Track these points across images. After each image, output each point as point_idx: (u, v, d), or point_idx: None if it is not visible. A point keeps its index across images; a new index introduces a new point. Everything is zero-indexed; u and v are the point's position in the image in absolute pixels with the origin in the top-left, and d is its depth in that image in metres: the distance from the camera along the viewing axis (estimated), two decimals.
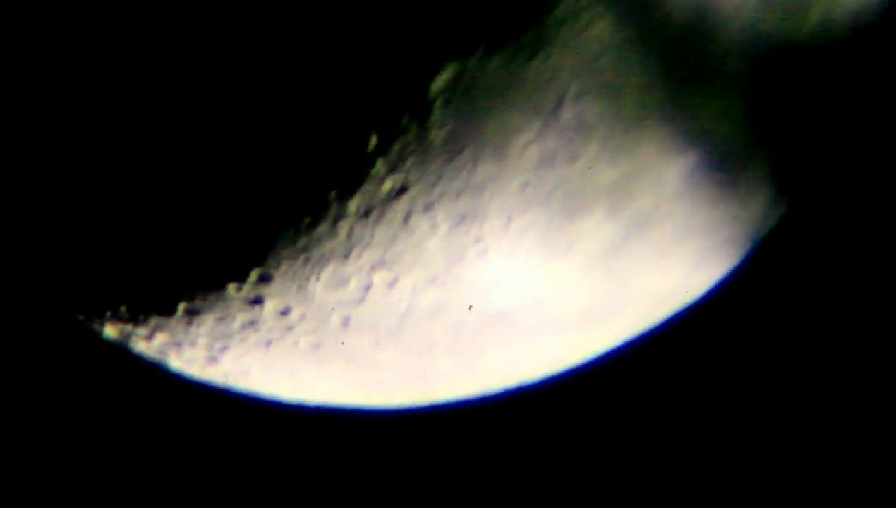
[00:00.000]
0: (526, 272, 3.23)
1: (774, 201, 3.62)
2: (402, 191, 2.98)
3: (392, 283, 3.11)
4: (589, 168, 3.13)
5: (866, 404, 4.06)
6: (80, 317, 3.17)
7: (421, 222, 3.04)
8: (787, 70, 3.31)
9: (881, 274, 3.98)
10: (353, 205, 2.96)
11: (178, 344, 3.17)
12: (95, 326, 3.20)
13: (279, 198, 2.91)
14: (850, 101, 3.48)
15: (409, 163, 2.97)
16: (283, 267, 3.00)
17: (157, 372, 3.20)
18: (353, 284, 3.07)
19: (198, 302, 3.05)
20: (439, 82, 2.91)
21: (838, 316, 3.95)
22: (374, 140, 2.91)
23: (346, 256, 3.03)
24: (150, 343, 3.19)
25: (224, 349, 3.18)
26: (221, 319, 3.08)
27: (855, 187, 3.93)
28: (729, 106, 3.24)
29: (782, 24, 3.27)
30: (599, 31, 2.99)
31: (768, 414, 3.93)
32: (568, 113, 3.04)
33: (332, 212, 2.96)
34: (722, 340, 3.88)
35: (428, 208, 3.03)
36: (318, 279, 3.03)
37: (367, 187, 2.95)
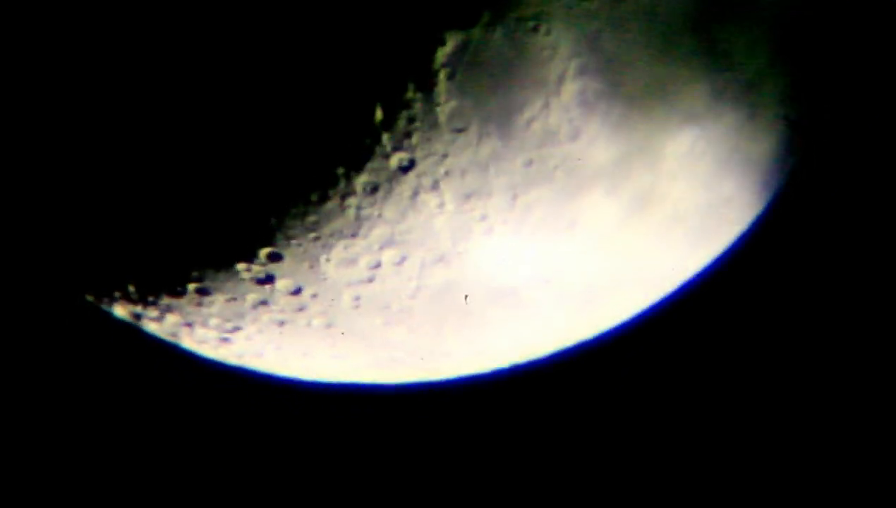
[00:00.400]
0: (530, 249, 3.24)
1: (771, 178, 3.67)
2: (409, 167, 2.98)
3: (400, 262, 3.10)
4: (590, 145, 3.15)
5: (863, 387, 4.10)
6: (90, 298, 3.13)
7: (428, 199, 3.05)
8: (780, 46, 3.37)
9: (877, 261, 4.03)
10: (361, 181, 2.96)
11: (190, 325, 3.14)
12: (106, 307, 3.16)
13: (287, 173, 2.90)
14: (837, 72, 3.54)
15: (415, 138, 2.97)
16: (293, 246, 2.98)
17: (170, 352, 3.16)
18: (363, 263, 3.06)
19: (208, 282, 3.03)
20: (443, 53, 2.93)
21: (838, 298, 4.00)
22: (379, 113, 2.92)
23: (355, 234, 3.03)
24: (161, 323, 3.16)
25: (236, 329, 3.15)
26: (233, 299, 3.06)
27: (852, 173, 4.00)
28: (727, 84, 3.29)
29: (773, 4, 3.34)
30: (599, 5, 3.03)
31: (768, 386, 3.96)
32: (570, 89, 3.06)
33: (341, 188, 2.95)
34: (726, 315, 3.91)
35: (435, 185, 3.04)
36: (328, 257, 3.02)
37: (375, 163, 2.96)
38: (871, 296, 3.95)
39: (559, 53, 3.04)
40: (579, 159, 3.20)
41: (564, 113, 3.11)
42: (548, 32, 3.02)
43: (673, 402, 3.95)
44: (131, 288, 3.08)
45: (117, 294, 3.09)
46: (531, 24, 2.99)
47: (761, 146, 3.54)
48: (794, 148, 3.67)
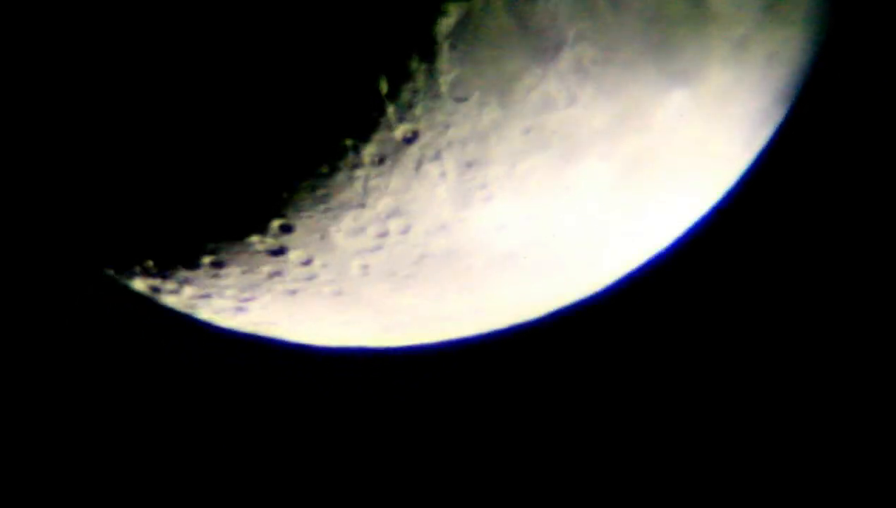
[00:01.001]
0: (529, 214, 3.33)
1: (759, 134, 3.77)
2: (413, 137, 3.05)
3: (405, 230, 3.18)
4: (585, 111, 3.23)
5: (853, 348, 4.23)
6: (110, 272, 3.19)
7: (431, 169, 3.12)
8: (769, 5, 3.45)
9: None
10: (369, 152, 3.03)
11: (207, 296, 3.21)
12: (125, 281, 3.22)
13: (297, 146, 2.96)
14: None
15: (419, 109, 3.04)
16: (304, 217, 3.05)
17: (188, 323, 3.24)
18: (371, 232, 3.14)
19: (223, 255, 3.10)
20: (445, 24, 2.98)
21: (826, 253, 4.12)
22: (384, 84, 2.97)
23: (363, 205, 3.10)
24: (179, 296, 3.23)
25: (251, 298, 3.23)
26: (247, 270, 3.13)
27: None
28: (716, 44, 3.37)
29: None
30: None
31: (762, 339, 4.09)
32: (567, 57, 3.13)
33: (349, 159, 3.02)
34: (719, 267, 4.03)
35: (437, 155, 3.11)
36: (338, 228, 3.09)
37: (381, 133, 3.02)
38: (860, 254, 4.09)
39: (558, 21, 3.10)
40: (575, 124, 3.29)
41: (562, 80, 3.18)
42: (547, 1, 3.08)
43: (673, 354, 4.09)
44: (149, 263, 3.15)
45: (136, 268, 3.15)
46: None
47: (749, 104, 3.64)
48: (781, 104, 3.78)
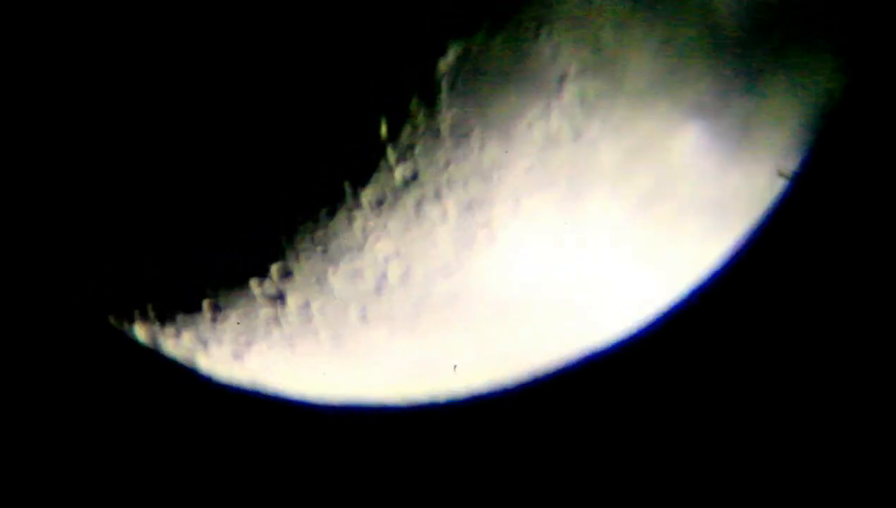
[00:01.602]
0: (535, 255, 3.25)
1: (785, 164, 3.65)
2: (412, 178, 3.00)
3: (405, 274, 3.13)
4: (592, 146, 3.15)
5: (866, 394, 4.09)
6: (111, 319, 3.20)
7: (431, 210, 3.07)
8: (789, 32, 3.35)
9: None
10: (367, 195, 2.99)
11: (205, 342, 3.19)
12: (126, 327, 3.23)
13: (296, 190, 2.94)
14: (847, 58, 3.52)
15: (418, 149, 3.00)
16: (302, 261, 3.02)
17: (187, 376, 3.22)
18: (369, 276, 3.09)
19: (222, 300, 3.08)
20: (445, 63, 2.95)
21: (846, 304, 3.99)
22: (384, 126, 2.94)
23: (361, 248, 3.06)
24: (178, 341, 3.22)
25: (249, 344, 3.20)
26: (246, 315, 3.11)
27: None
28: (733, 73, 3.28)
29: None
30: (600, 3, 3.02)
31: (786, 384, 3.96)
32: (570, 91, 3.07)
33: (348, 202, 2.98)
34: (741, 311, 3.91)
35: (437, 195, 3.06)
36: (335, 271, 3.05)
37: (380, 176, 2.98)
38: (887, 290, 3.94)
39: (560, 55, 3.04)
40: (582, 160, 3.21)
41: (565, 115, 3.11)
42: (548, 36, 3.02)
43: (690, 405, 3.96)
44: (149, 308, 3.14)
45: (137, 314, 3.15)
46: (532, 28, 3.00)
47: (772, 136, 3.53)
48: (807, 135, 3.66)
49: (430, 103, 2.97)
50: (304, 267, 3.04)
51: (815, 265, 3.96)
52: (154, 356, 3.20)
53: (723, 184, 3.48)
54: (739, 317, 3.91)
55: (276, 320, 3.12)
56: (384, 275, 3.13)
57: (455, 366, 3.35)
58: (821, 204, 3.75)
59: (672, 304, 3.70)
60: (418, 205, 3.06)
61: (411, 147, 3.00)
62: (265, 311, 3.11)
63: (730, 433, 4.04)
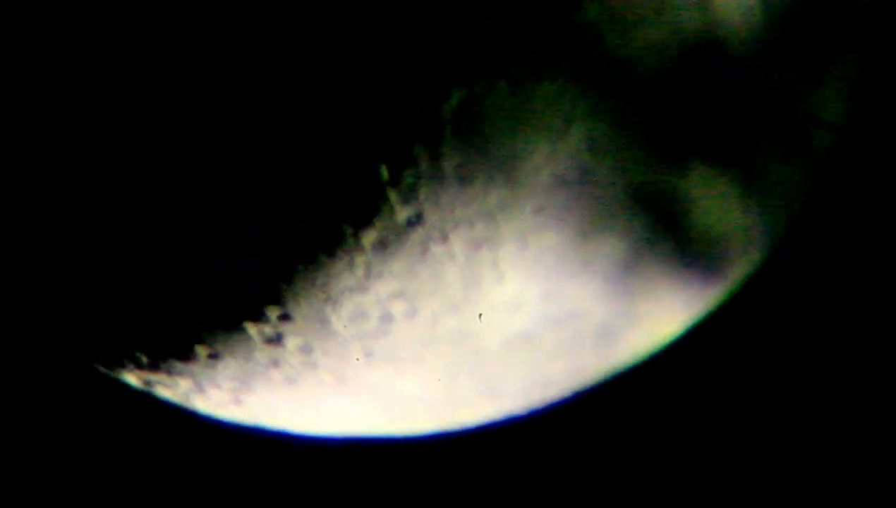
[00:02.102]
0: (544, 293, 3.24)
1: (790, 203, 3.63)
2: (417, 221, 2.99)
3: (412, 313, 3.12)
4: (600, 186, 3.14)
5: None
6: (101, 367, 3.20)
7: (437, 251, 3.05)
8: (795, 73, 3.33)
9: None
10: (369, 237, 2.97)
11: (202, 388, 3.18)
12: (117, 375, 3.22)
13: (294, 234, 2.92)
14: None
15: (422, 193, 2.98)
16: (303, 305, 3.01)
17: (184, 415, 3.23)
18: (374, 316, 3.08)
19: (218, 346, 3.07)
20: (448, 108, 2.92)
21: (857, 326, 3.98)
22: (385, 170, 2.92)
23: (365, 289, 3.04)
24: (174, 389, 3.21)
25: (248, 389, 3.19)
26: (244, 360, 3.10)
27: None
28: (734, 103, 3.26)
29: (787, 30, 3.29)
30: (607, 46, 3.00)
31: (786, 428, 3.95)
32: (577, 133, 3.04)
33: (349, 246, 2.97)
34: (742, 349, 3.91)
35: (444, 237, 3.04)
36: (338, 314, 3.04)
37: (382, 219, 2.96)
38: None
39: (566, 98, 3.01)
40: (590, 200, 3.20)
41: (572, 156, 3.09)
42: (554, 79, 3.00)
43: (691, 436, 3.96)
44: (142, 356, 3.13)
45: (128, 362, 3.14)
46: (536, 71, 2.98)
47: (781, 172, 3.51)
48: (818, 171, 3.64)
49: (434, 147, 2.95)
50: (304, 309, 3.03)
51: (820, 302, 3.95)
52: (148, 399, 3.21)
53: (732, 219, 3.48)
54: (741, 352, 3.92)
55: (276, 362, 3.12)
56: (389, 315, 3.12)
57: (439, 378, 3.35)
58: (831, 243, 3.75)
59: (674, 339, 3.70)
60: (424, 245, 3.05)
61: (415, 190, 2.98)
62: (264, 356, 3.11)
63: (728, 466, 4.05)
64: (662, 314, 3.53)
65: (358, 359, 3.13)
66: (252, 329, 3.04)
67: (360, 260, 3.00)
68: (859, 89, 3.57)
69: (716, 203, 3.39)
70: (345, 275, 3.01)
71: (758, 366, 3.99)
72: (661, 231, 3.35)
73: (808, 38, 3.38)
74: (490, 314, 3.24)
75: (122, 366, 3.16)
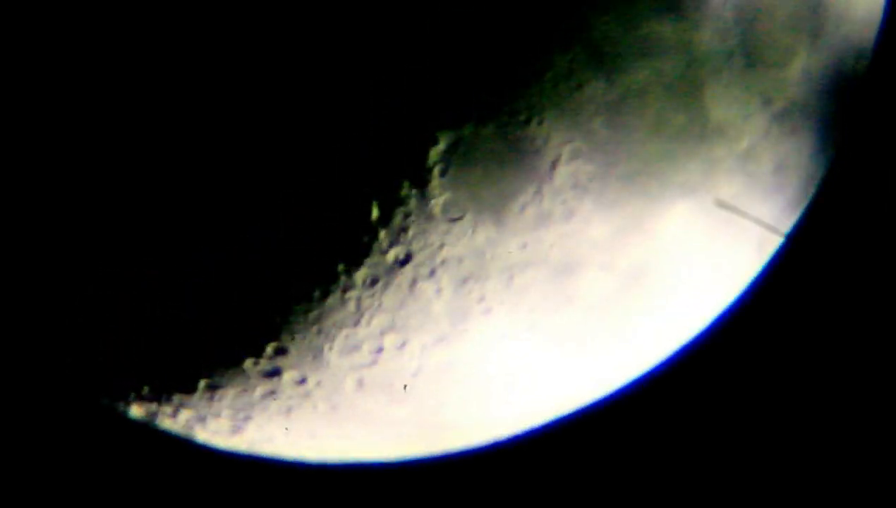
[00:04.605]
0: (529, 326, 3.37)
1: (769, 240, 3.75)
2: (406, 260, 3.12)
3: (402, 345, 3.26)
4: (584, 224, 3.26)
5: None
6: (105, 401, 3.35)
7: (426, 287, 3.19)
8: (770, 119, 3.44)
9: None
10: (361, 276, 3.11)
11: (203, 419, 3.34)
12: (121, 408, 3.38)
13: (289, 273, 3.07)
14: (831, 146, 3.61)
15: (411, 232, 3.11)
16: (298, 339, 3.16)
17: (184, 446, 3.38)
18: (365, 349, 3.23)
19: (217, 379, 3.23)
20: (436, 151, 3.05)
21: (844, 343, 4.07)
22: (375, 211, 3.06)
23: (357, 323, 3.19)
24: (175, 419, 3.37)
25: (247, 419, 3.35)
26: (242, 392, 3.25)
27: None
28: (721, 155, 3.37)
29: (766, 75, 3.40)
30: (592, 90, 3.10)
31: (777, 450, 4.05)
32: (563, 174, 3.16)
33: (341, 283, 3.11)
34: (728, 372, 4.02)
35: (432, 274, 3.18)
36: (331, 347, 3.19)
37: (373, 258, 3.10)
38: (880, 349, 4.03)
39: (551, 141, 3.13)
40: (574, 237, 3.32)
41: (557, 196, 3.21)
42: (540, 123, 3.11)
43: (675, 463, 4.08)
44: (145, 389, 3.30)
45: (132, 395, 3.31)
46: (523, 116, 3.10)
47: (758, 210, 3.62)
48: (791, 212, 3.75)
49: (423, 188, 3.08)
50: (300, 344, 3.19)
51: (798, 335, 4.06)
52: (149, 430, 3.36)
53: (710, 257, 3.59)
54: (722, 380, 4.03)
55: (273, 394, 3.28)
56: (380, 348, 3.27)
57: (405, 386, 3.47)
58: (803, 279, 3.86)
59: (657, 366, 3.83)
60: (413, 283, 3.19)
61: (404, 229, 3.12)
62: (262, 387, 3.26)
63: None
64: (648, 345, 3.67)
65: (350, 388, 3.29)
66: (250, 362, 3.20)
67: (351, 296, 3.15)
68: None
69: (696, 242, 3.51)
70: (337, 311, 3.16)
71: (766, 368, 4.09)
72: (642, 267, 3.48)
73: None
74: (476, 345, 3.38)
75: (128, 399, 3.32)
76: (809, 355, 4.01)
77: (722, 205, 3.20)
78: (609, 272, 3.39)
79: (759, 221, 3.33)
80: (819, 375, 4.02)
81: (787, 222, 3.72)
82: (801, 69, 3.40)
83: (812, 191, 3.71)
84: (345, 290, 3.15)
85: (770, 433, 4.05)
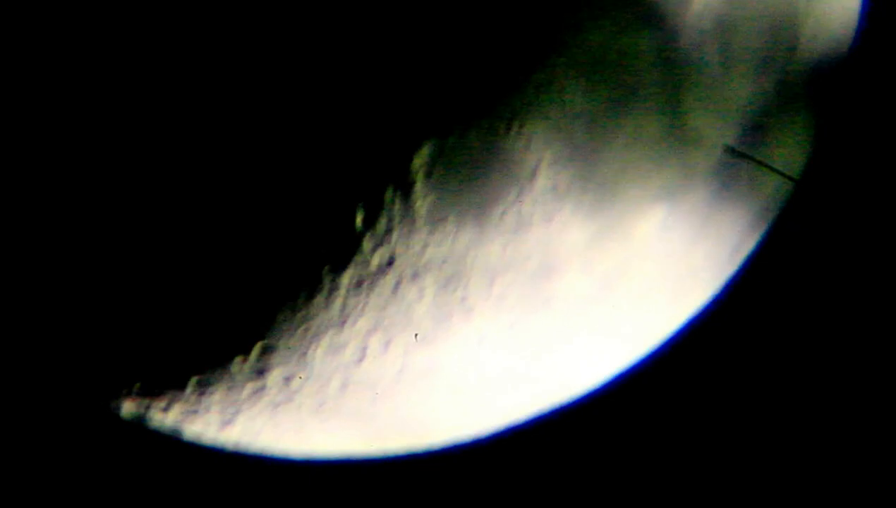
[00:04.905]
0: (510, 327, 3.46)
1: (744, 242, 3.84)
2: (390, 263, 3.21)
3: (386, 345, 3.35)
4: (563, 228, 3.34)
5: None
6: (98, 397, 3.45)
7: (409, 289, 3.28)
8: (750, 126, 3.52)
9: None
10: (346, 278, 3.21)
11: (192, 414, 3.44)
12: (113, 404, 3.48)
13: (276, 276, 3.16)
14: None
15: (395, 236, 3.20)
16: (284, 339, 3.25)
17: (172, 442, 3.48)
18: (350, 349, 3.32)
19: (207, 376, 3.32)
20: (420, 157, 3.13)
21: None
22: (360, 215, 3.14)
23: (342, 324, 3.28)
24: (165, 415, 3.47)
25: (235, 414, 3.45)
26: (230, 389, 3.35)
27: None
28: (698, 161, 3.45)
29: (743, 85, 3.48)
30: (573, 97, 3.19)
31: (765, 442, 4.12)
32: (543, 179, 3.24)
33: (327, 285, 3.21)
34: (703, 373, 4.11)
35: (415, 276, 3.27)
36: (317, 347, 3.29)
37: (358, 261, 3.19)
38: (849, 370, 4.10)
39: (532, 148, 3.21)
40: (553, 241, 3.41)
41: (537, 201, 3.29)
42: (520, 129, 3.20)
43: (651, 462, 4.17)
44: (137, 387, 3.40)
45: (124, 392, 3.41)
46: (504, 123, 3.18)
47: (733, 217, 3.71)
48: (766, 216, 3.84)
49: (406, 194, 3.16)
50: (287, 344, 3.28)
51: (771, 336, 4.14)
52: (137, 427, 3.46)
53: (686, 260, 3.68)
54: (696, 380, 4.11)
55: (261, 391, 3.38)
56: (365, 348, 3.36)
57: (416, 335, 3.55)
58: (776, 282, 3.94)
59: (634, 366, 3.93)
60: (396, 285, 3.28)
61: (388, 233, 3.21)
62: (249, 385, 3.36)
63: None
64: (626, 344, 3.76)
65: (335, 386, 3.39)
66: (238, 361, 3.30)
67: (337, 297, 3.24)
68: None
69: (674, 245, 3.60)
70: (323, 312, 3.25)
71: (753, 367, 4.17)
72: (621, 269, 3.57)
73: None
74: (458, 346, 3.47)
75: (120, 396, 3.42)
76: (785, 358, 4.11)
77: (731, 151, 3.26)
78: (587, 275, 3.48)
79: (769, 166, 3.39)
80: (795, 376, 4.11)
81: (761, 226, 3.82)
82: (777, 79, 3.50)
83: (787, 196, 3.80)
84: (330, 292, 3.24)
85: (747, 432, 4.15)
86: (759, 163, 3.29)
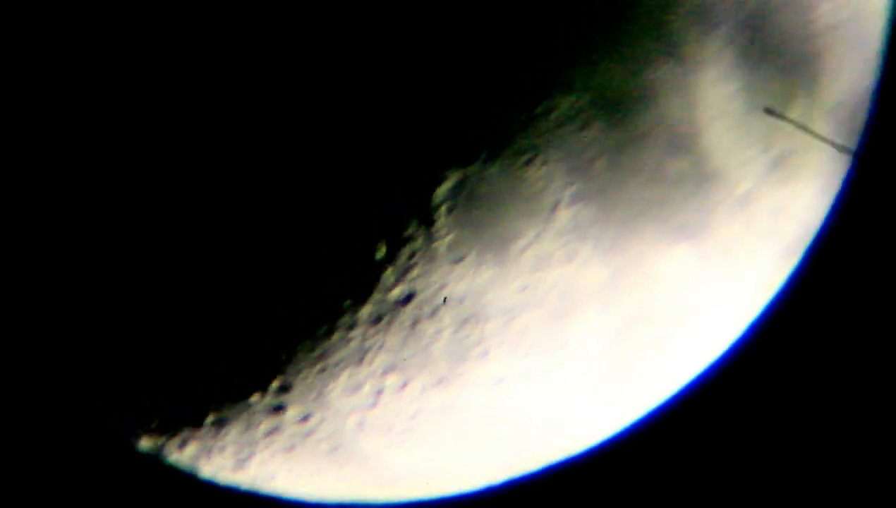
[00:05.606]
0: (526, 370, 3.38)
1: (770, 280, 3.77)
2: (409, 297, 3.15)
3: (402, 386, 3.28)
4: (583, 267, 3.28)
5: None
6: (116, 433, 3.37)
7: (427, 327, 3.21)
8: (769, 164, 3.49)
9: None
10: (365, 312, 3.14)
11: (208, 452, 3.35)
12: (131, 440, 3.39)
13: (297, 309, 3.09)
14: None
15: (415, 270, 3.14)
16: (302, 376, 3.18)
17: (188, 481, 3.39)
18: (367, 388, 3.24)
19: (224, 412, 3.25)
20: (442, 190, 3.09)
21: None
22: (382, 249, 3.09)
23: (360, 361, 3.21)
24: (181, 452, 3.39)
25: (251, 454, 3.36)
26: (247, 427, 3.27)
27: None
28: (720, 200, 3.41)
29: (765, 120, 3.45)
30: (594, 133, 3.16)
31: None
32: (563, 217, 3.20)
33: (346, 320, 3.14)
34: (726, 415, 4.03)
35: (433, 313, 3.21)
36: (335, 385, 3.21)
37: (378, 295, 3.13)
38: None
39: (553, 183, 3.18)
40: (573, 280, 3.35)
41: (558, 239, 3.25)
42: (542, 164, 3.16)
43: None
44: (155, 423, 3.32)
45: (142, 428, 3.33)
46: (526, 157, 3.15)
47: (756, 256, 3.66)
48: (791, 256, 3.79)
49: (429, 227, 3.12)
50: (304, 381, 3.21)
51: (799, 378, 4.07)
52: (154, 463, 3.38)
53: (708, 301, 3.62)
54: (721, 424, 4.04)
55: (277, 430, 3.29)
56: (381, 389, 3.29)
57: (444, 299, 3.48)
58: (803, 324, 3.88)
59: (654, 412, 3.84)
60: (414, 322, 3.21)
61: (409, 268, 3.15)
62: (266, 423, 3.28)
63: None
64: (646, 389, 3.68)
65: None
66: (255, 398, 3.22)
67: (355, 334, 3.17)
68: None
69: (693, 284, 3.54)
70: (341, 348, 3.18)
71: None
72: (640, 309, 3.50)
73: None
74: (474, 388, 3.39)
75: (137, 432, 3.34)
76: (812, 395, 4.03)
77: (773, 113, 3.18)
78: (607, 315, 3.41)
79: (820, 137, 3.31)
80: (823, 416, 4.03)
81: (787, 265, 3.76)
82: (799, 115, 3.47)
83: (811, 236, 3.75)
84: (349, 328, 3.17)
85: (773, 474, 4.06)
86: (801, 127, 3.20)
